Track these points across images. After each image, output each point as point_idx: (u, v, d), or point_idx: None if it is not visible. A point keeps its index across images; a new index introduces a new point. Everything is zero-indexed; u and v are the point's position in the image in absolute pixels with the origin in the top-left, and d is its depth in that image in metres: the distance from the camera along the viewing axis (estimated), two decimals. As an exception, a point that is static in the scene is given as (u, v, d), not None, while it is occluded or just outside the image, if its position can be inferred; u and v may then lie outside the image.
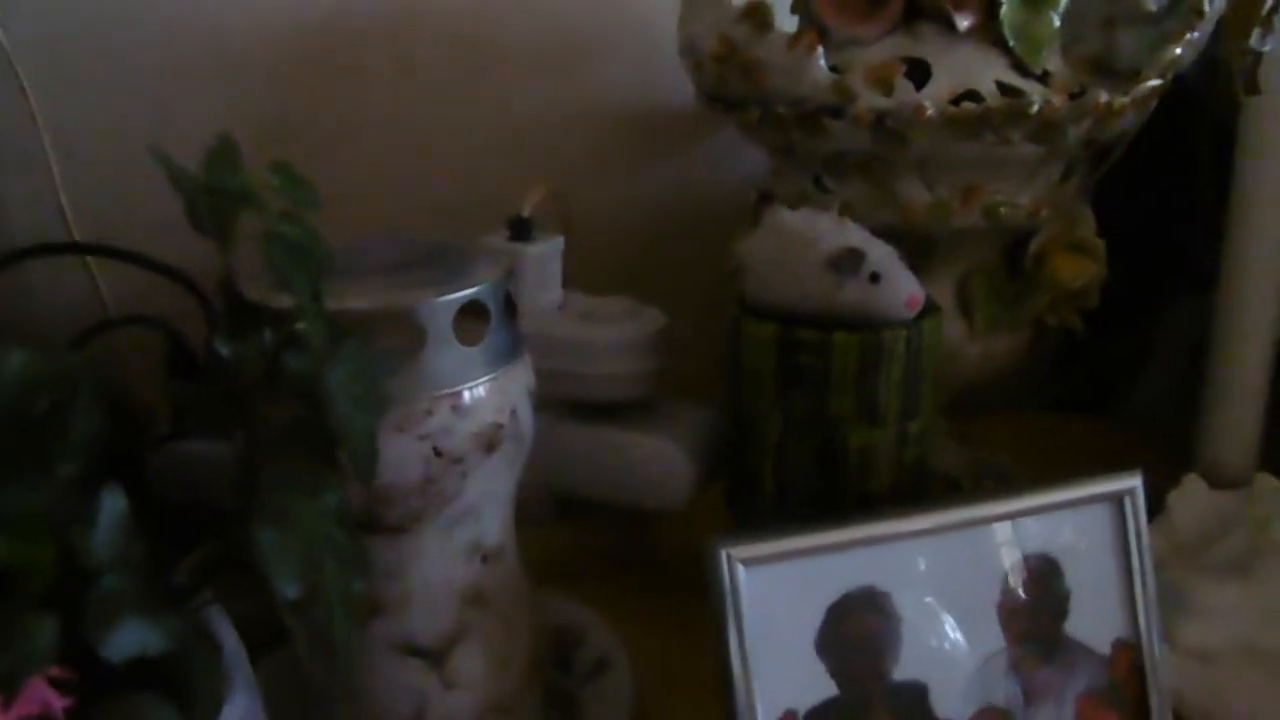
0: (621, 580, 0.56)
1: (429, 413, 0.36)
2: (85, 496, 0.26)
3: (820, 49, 0.50)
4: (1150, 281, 0.71)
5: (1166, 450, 0.62)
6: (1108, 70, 0.61)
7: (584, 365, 0.53)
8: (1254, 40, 0.74)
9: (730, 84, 0.53)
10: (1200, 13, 0.53)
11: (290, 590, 0.27)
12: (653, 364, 0.54)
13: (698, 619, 0.38)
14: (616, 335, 0.53)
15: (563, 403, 0.53)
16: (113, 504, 0.26)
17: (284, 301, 0.32)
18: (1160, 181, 0.69)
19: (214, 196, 0.26)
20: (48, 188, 0.58)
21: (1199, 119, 0.68)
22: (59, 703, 0.25)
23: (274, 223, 0.28)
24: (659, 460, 0.53)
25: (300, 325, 0.30)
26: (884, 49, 0.52)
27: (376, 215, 0.65)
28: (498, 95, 0.67)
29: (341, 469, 0.30)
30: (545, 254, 0.55)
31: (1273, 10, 0.77)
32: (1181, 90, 0.57)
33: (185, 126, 0.61)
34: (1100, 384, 0.75)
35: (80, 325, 0.53)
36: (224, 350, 0.29)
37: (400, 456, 0.36)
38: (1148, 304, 0.74)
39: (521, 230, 0.55)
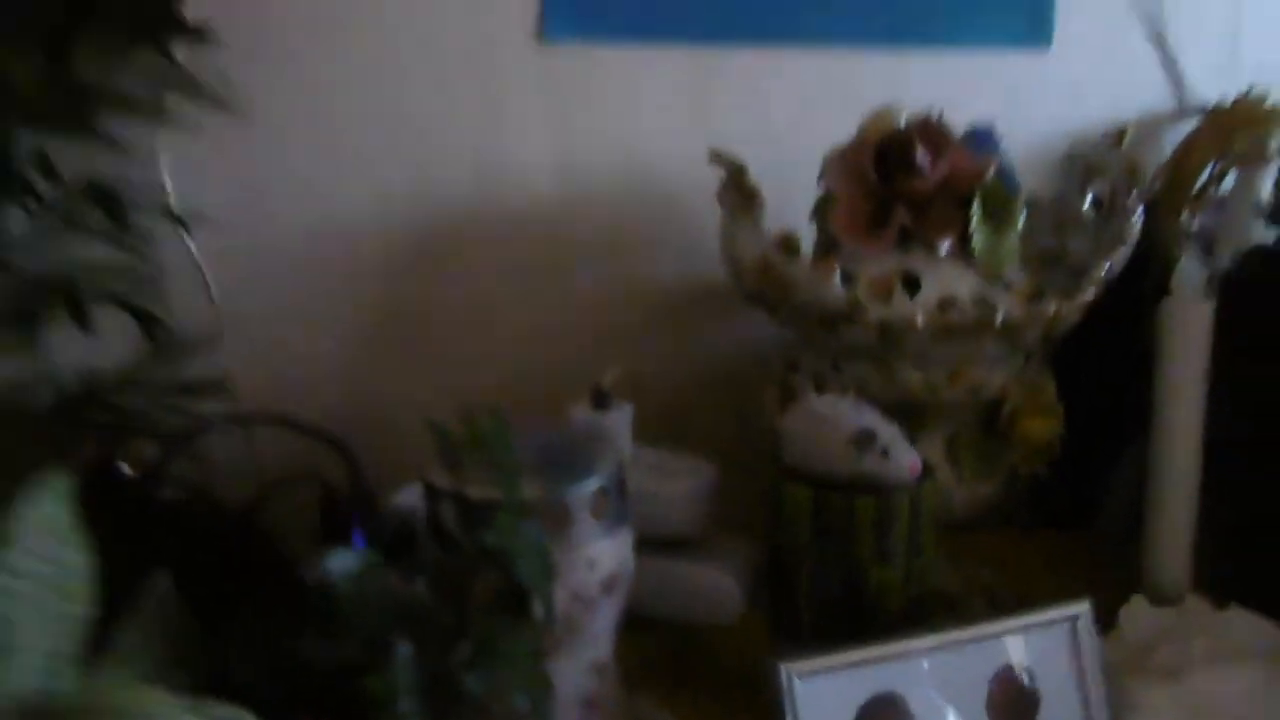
0: (682, 683, 0.69)
1: (572, 570, 0.50)
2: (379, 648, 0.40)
3: (838, 270, 0.65)
4: (1108, 422, 0.85)
5: (1124, 563, 0.75)
6: (1059, 263, 0.77)
7: (654, 511, 0.66)
8: (1184, 219, 0.91)
9: (766, 292, 0.68)
10: (1123, 239, 0.69)
11: (521, 704, 0.40)
12: (707, 508, 0.68)
13: (748, 715, 0.52)
14: (680, 487, 0.67)
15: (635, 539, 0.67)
16: (404, 652, 0.39)
17: (481, 494, 0.46)
18: (1114, 333, 0.84)
19: (473, 453, 0.40)
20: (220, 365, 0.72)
21: (1144, 280, 0.82)
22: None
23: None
24: (714, 586, 0.67)
25: (502, 516, 0.44)
26: (885, 264, 0.68)
27: (472, 386, 0.80)
28: (569, 282, 0.83)
29: (533, 619, 0.44)
30: (620, 419, 0.69)
31: (1200, 193, 0.94)
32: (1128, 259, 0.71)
33: (323, 311, 0.77)
34: (1068, 509, 0.89)
35: (237, 480, 0.67)
36: (458, 538, 0.43)
37: (552, 603, 0.50)
38: (1107, 442, 0.88)
39: (601, 401, 0.69)
